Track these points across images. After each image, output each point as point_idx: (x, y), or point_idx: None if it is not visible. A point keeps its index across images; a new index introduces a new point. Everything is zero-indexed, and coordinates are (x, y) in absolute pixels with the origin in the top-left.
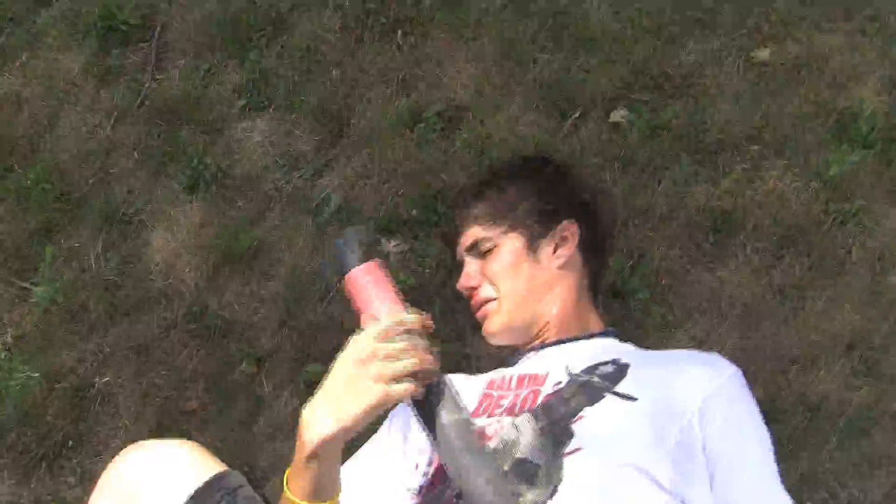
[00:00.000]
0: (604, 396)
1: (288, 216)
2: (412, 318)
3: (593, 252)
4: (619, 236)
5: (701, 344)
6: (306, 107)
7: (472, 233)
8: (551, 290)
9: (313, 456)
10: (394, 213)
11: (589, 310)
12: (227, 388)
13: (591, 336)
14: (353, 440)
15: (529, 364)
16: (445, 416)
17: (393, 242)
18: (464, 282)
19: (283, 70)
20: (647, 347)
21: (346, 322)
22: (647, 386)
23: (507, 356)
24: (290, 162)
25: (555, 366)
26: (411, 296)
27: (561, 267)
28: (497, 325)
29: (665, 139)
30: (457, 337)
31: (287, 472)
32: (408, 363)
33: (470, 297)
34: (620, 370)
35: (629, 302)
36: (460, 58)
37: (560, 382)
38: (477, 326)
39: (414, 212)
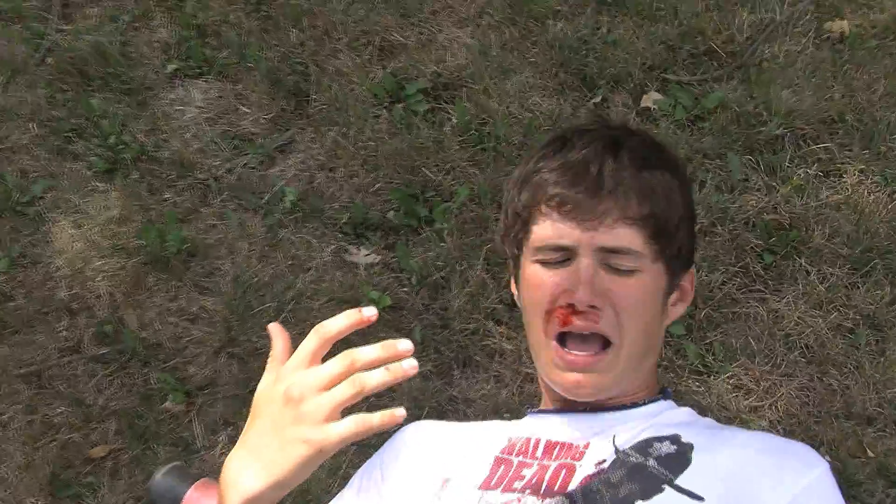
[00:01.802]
0: (662, 490)
1: (230, 213)
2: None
3: None
4: None
5: (748, 395)
6: (256, 75)
7: (626, 236)
8: (653, 350)
9: None
10: (365, 215)
11: (656, 371)
12: (146, 429)
13: (650, 401)
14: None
15: (563, 426)
16: None
17: (363, 252)
18: (591, 297)
19: (226, 26)
20: (704, 412)
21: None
22: (716, 479)
23: (527, 405)
24: (233, 144)
25: (598, 436)
26: (388, 317)
27: (668, 323)
28: (606, 382)
29: (708, 132)
30: (440, 373)
31: None
32: (347, 390)
33: (566, 316)
34: (682, 454)
35: None
36: (456, 14)
37: (604, 461)
38: (491, 353)
39: (391, 213)
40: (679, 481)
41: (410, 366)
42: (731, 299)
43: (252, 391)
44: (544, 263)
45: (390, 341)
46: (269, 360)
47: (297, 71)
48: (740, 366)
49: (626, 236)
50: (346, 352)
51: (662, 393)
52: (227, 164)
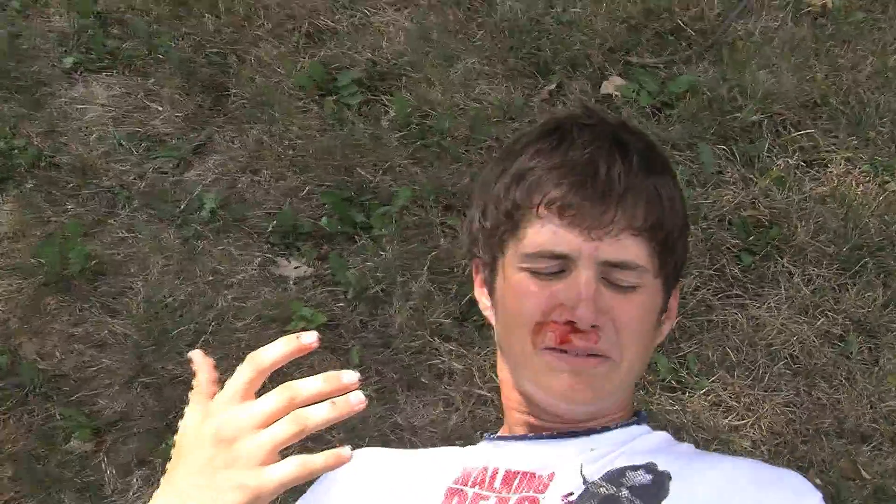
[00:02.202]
0: None
1: (141, 225)
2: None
3: None
4: None
5: (728, 412)
6: (167, 67)
7: (632, 248)
8: (642, 371)
9: None
10: (294, 222)
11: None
12: (48, 473)
13: (623, 425)
14: None
15: (524, 454)
16: None
17: (293, 264)
18: (593, 316)
19: (132, 13)
20: (679, 432)
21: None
22: None
23: (484, 430)
24: (143, 147)
25: (564, 464)
26: (322, 335)
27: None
28: (603, 392)
29: (677, 120)
30: (382, 398)
31: None
32: (287, 429)
33: (564, 334)
34: (659, 484)
35: None
36: None
37: (571, 493)
38: (439, 374)
39: (323, 220)
40: None
41: (358, 400)
42: (707, 306)
43: (170, 424)
44: (535, 272)
45: (333, 372)
46: (192, 393)
47: (214, 62)
48: (718, 380)
49: (632, 249)
50: (284, 385)
51: (636, 416)
52: (137, 170)
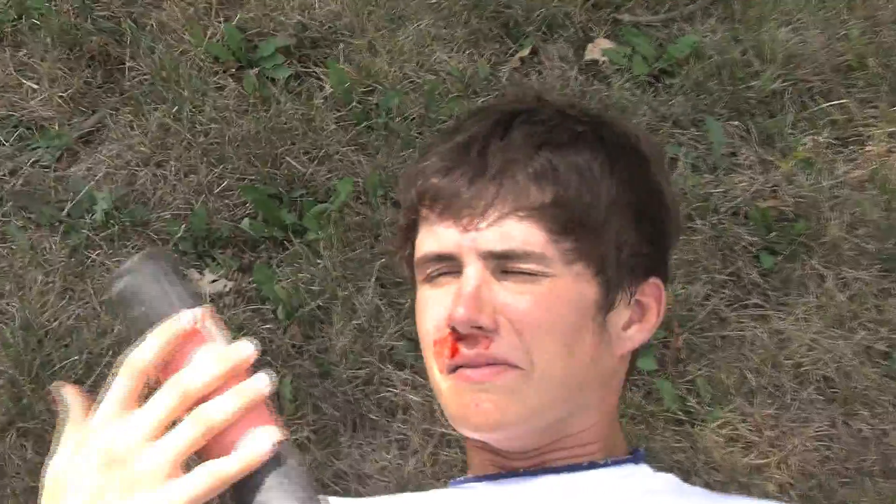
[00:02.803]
0: None
1: (15, 231)
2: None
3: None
4: None
5: (748, 449)
6: (45, 35)
7: (514, 233)
8: (602, 386)
9: None
10: (208, 225)
11: (617, 422)
12: None
13: (615, 462)
14: None
15: (494, 497)
16: None
17: (208, 276)
18: (471, 313)
19: None
20: (688, 476)
21: None
22: None
23: (449, 477)
24: (16, 135)
25: None
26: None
27: (623, 355)
28: (512, 416)
29: (679, 91)
30: (322, 440)
31: None
32: (189, 432)
33: (458, 342)
34: None
35: None
36: None
37: None
38: (391, 409)
39: (245, 222)
40: None
41: (264, 382)
42: (719, 318)
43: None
44: (431, 281)
45: (224, 348)
46: (60, 426)
47: (104, 28)
48: (735, 410)
49: (519, 233)
50: (170, 381)
51: (633, 455)
52: (10, 164)
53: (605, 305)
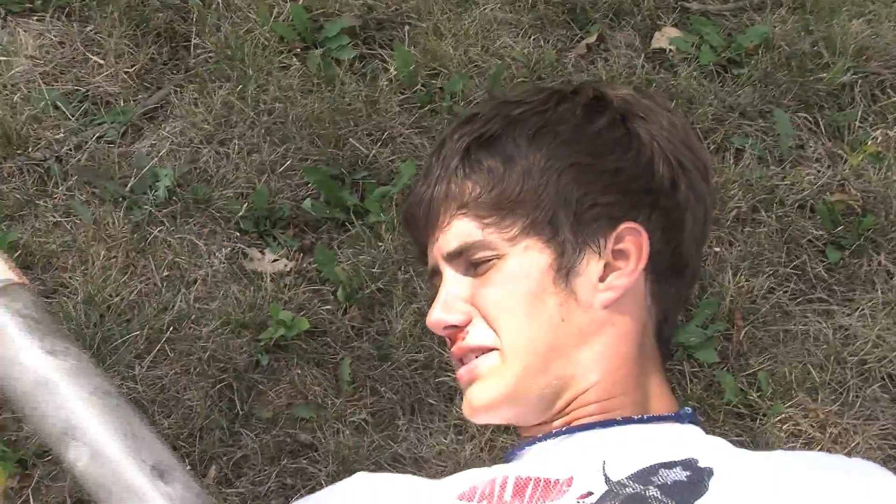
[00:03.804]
0: None
1: (79, 206)
2: None
3: (668, 277)
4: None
5: (809, 445)
6: (113, 11)
7: (459, 230)
8: (590, 343)
9: None
10: (270, 205)
11: (652, 376)
12: None
13: (653, 419)
14: None
15: (541, 459)
16: None
17: (269, 257)
18: (439, 315)
19: None
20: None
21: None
22: None
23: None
24: (82, 110)
25: (584, 465)
26: (305, 346)
27: (609, 305)
28: (491, 395)
29: (747, 81)
30: (379, 424)
31: None
32: None
33: (450, 341)
34: (697, 481)
35: (681, 367)
36: None
37: (590, 494)
38: (449, 395)
39: (307, 203)
40: None
41: None
42: (783, 312)
43: None
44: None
45: None
46: None
47: (170, 5)
48: (797, 405)
49: (462, 229)
50: None
51: (680, 414)
52: (75, 139)
53: (565, 266)
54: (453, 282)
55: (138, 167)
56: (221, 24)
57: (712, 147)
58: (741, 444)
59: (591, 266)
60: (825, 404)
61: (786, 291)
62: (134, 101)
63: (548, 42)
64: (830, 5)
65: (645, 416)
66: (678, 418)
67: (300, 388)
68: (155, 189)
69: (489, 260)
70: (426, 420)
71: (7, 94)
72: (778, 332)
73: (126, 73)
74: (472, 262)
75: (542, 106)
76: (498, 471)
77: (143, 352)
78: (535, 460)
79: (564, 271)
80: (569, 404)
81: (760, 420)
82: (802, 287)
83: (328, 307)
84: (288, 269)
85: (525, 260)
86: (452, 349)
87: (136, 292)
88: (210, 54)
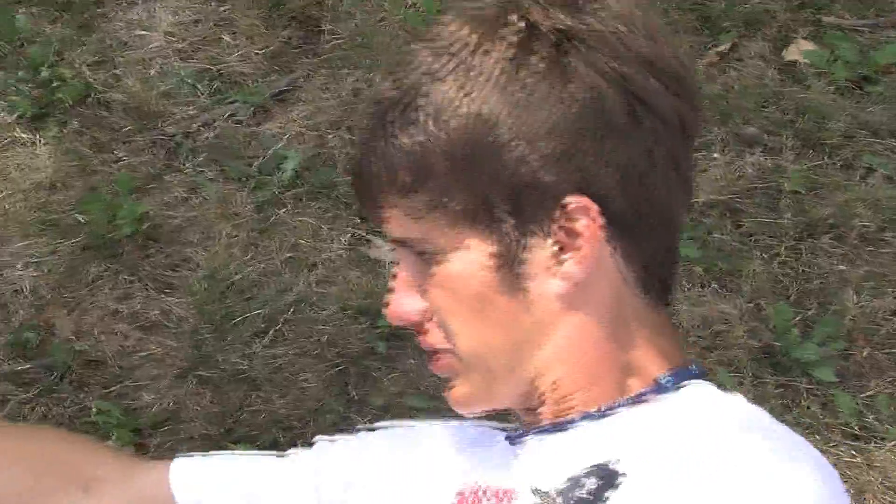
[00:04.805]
0: None
1: (206, 183)
2: None
3: (642, 230)
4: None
5: None
6: None
7: (397, 220)
8: (551, 337)
9: None
10: None
11: (638, 341)
12: None
13: (619, 406)
14: None
15: (499, 460)
16: None
17: (388, 245)
18: (395, 310)
19: None
20: (862, 499)
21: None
22: None
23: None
24: (214, 88)
25: (529, 474)
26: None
27: (566, 294)
28: (461, 395)
29: (880, 99)
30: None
31: None
32: None
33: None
34: (600, 491)
35: (799, 385)
36: None
37: None
38: None
39: None
40: None
41: None
42: None
43: (230, 430)
44: None
45: None
46: None
47: None
48: None
49: (397, 222)
50: None
51: (661, 384)
52: (205, 116)
53: (509, 258)
54: (405, 268)
55: (265, 148)
56: (354, 12)
57: (841, 163)
58: (855, 466)
59: (538, 253)
60: None
61: None
62: (265, 82)
63: (679, 48)
64: None
65: (604, 408)
66: (659, 390)
67: (414, 378)
68: (281, 171)
69: (433, 253)
70: None
71: (142, 69)
72: None
73: (258, 54)
74: (417, 251)
75: (461, 54)
76: (479, 476)
77: (262, 330)
78: (497, 462)
79: (509, 264)
80: (542, 402)
81: (877, 443)
82: None
83: None
84: None
85: (466, 257)
86: (418, 339)
87: (257, 271)
88: (341, 41)
